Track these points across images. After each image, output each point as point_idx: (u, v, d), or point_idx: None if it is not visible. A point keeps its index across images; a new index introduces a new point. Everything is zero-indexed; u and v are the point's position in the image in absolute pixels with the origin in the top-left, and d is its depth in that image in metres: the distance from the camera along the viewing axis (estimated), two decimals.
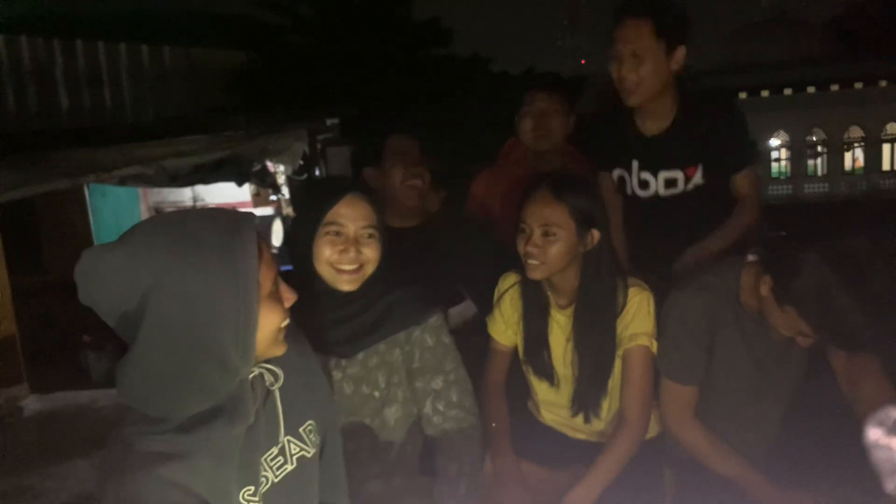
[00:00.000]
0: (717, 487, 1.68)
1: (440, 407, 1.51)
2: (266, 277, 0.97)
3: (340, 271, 1.42)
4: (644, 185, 2.08)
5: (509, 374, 1.90)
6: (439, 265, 2.00)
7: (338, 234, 1.41)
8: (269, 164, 6.09)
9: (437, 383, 1.52)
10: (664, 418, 1.76)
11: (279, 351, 1.03)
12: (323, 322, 1.45)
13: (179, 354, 0.90)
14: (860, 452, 1.47)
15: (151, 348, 0.90)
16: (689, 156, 2.01)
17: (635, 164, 2.07)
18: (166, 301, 0.88)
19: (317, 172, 6.26)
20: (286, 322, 1.02)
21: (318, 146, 6.36)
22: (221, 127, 5.76)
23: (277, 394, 1.07)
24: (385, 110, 11.09)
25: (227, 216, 0.96)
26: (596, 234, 1.64)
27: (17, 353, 4.72)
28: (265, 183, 6.22)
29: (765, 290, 1.55)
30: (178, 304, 0.89)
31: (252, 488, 1.01)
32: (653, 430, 1.82)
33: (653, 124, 2.04)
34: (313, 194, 1.50)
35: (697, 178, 2.02)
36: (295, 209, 1.40)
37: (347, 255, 1.40)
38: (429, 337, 1.52)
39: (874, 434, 1.47)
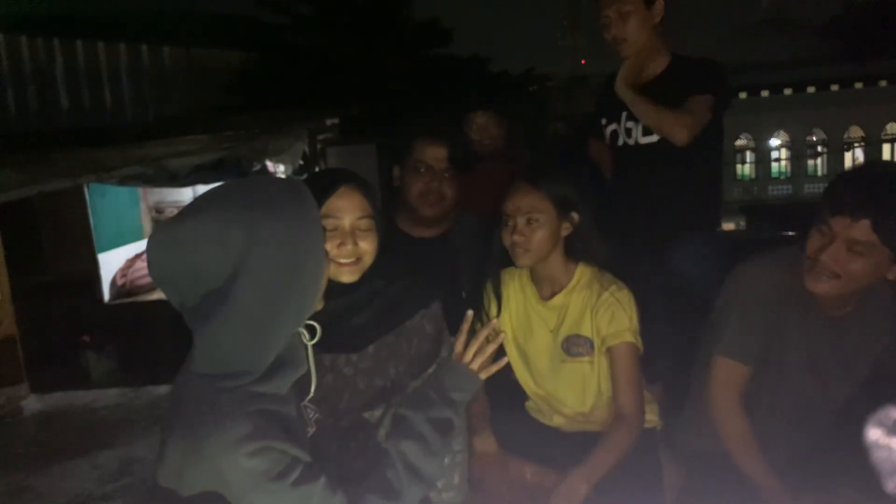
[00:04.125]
0: (727, 485, 1.65)
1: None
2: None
3: (340, 264, 1.41)
4: (628, 133, 2.26)
5: (509, 376, 1.91)
6: (456, 281, 2.00)
7: (334, 228, 1.40)
8: (269, 164, 6.08)
9: (432, 369, 1.52)
10: (710, 400, 1.68)
11: (320, 305, 1.12)
12: (327, 317, 1.45)
13: (270, 305, 0.97)
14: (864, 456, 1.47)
15: (246, 302, 0.95)
16: (664, 102, 2.15)
17: (624, 114, 2.26)
18: (261, 255, 0.95)
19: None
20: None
21: (318, 146, 6.36)
22: (221, 127, 5.76)
23: (310, 349, 1.14)
24: (385, 110, 11.08)
25: (282, 180, 1.07)
26: (576, 216, 1.75)
27: (17, 353, 4.72)
28: None
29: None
30: (270, 255, 0.95)
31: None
32: (652, 421, 1.84)
33: (643, 77, 2.23)
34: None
35: None
36: None
37: (345, 248, 1.39)
38: (427, 324, 1.53)
39: (874, 434, 1.47)
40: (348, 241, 1.39)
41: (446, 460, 1.52)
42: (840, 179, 1.49)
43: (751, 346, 1.63)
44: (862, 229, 1.39)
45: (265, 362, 0.99)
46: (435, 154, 1.94)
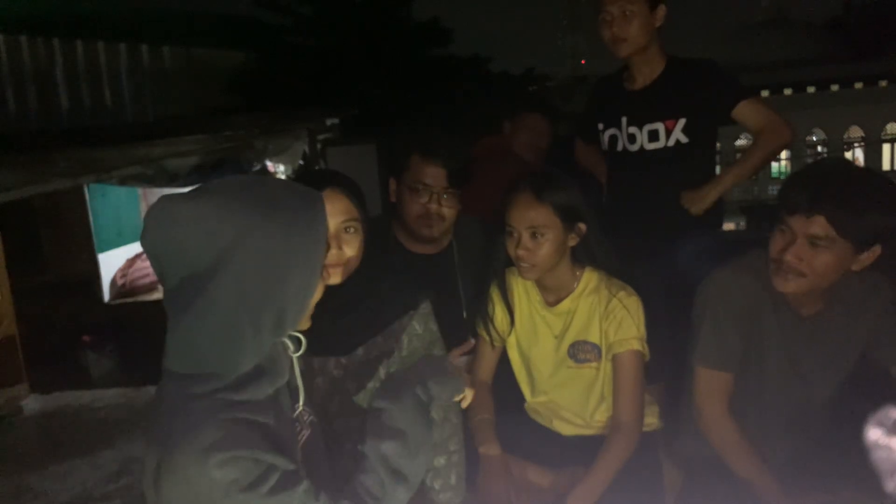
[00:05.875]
0: (725, 488, 1.64)
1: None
2: (325, 249, 1.04)
3: (323, 266, 1.41)
4: (632, 139, 2.23)
5: (509, 378, 1.91)
6: (456, 299, 1.97)
7: None
8: (269, 164, 6.09)
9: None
10: (697, 410, 1.68)
11: (306, 324, 1.08)
12: (314, 319, 1.44)
13: (247, 308, 0.94)
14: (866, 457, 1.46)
15: (222, 300, 0.92)
16: (669, 109, 2.17)
17: (624, 119, 2.24)
18: (247, 255, 0.92)
19: None
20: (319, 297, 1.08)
21: (318, 146, 6.36)
22: (221, 127, 5.75)
23: (296, 361, 1.12)
24: (385, 111, 11.08)
25: (302, 187, 1.02)
26: (582, 227, 1.70)
27: (17, 353, 4.72)
28: None
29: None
30: (257, 259, 0.93)
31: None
32: (651, 425, 1.84)
33: (640, 80, 2.23)
34: None
35: (678, 133, 2.16)
36: None
37: (329, 252, 1.37)
38: (417, 324, 1.51)
39: (874, 434, 1.47)
40: (332, 246, 1.37)
41: (443, 461, 1.51)
42: (791, 179, 1.52)
43: (728, 354, 1.63)
44: (819, 224, 1.41)
45: (238, 367, 0.96)
46: (434, 174, 1.83)
